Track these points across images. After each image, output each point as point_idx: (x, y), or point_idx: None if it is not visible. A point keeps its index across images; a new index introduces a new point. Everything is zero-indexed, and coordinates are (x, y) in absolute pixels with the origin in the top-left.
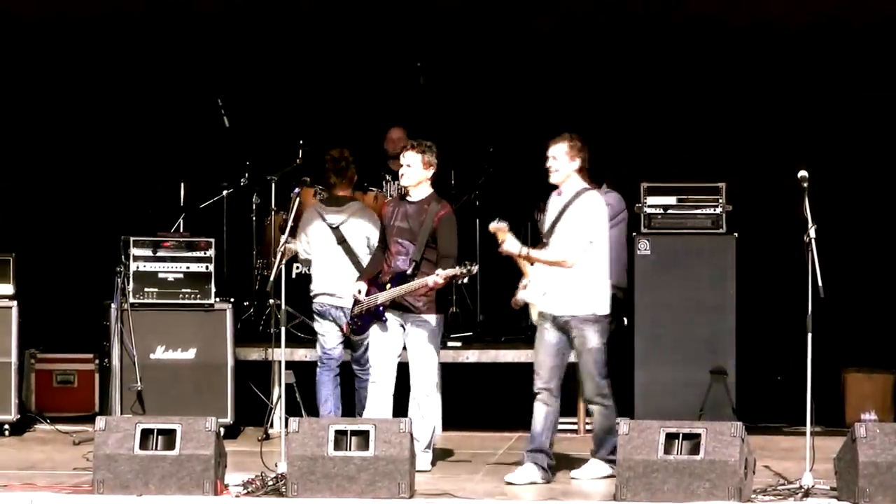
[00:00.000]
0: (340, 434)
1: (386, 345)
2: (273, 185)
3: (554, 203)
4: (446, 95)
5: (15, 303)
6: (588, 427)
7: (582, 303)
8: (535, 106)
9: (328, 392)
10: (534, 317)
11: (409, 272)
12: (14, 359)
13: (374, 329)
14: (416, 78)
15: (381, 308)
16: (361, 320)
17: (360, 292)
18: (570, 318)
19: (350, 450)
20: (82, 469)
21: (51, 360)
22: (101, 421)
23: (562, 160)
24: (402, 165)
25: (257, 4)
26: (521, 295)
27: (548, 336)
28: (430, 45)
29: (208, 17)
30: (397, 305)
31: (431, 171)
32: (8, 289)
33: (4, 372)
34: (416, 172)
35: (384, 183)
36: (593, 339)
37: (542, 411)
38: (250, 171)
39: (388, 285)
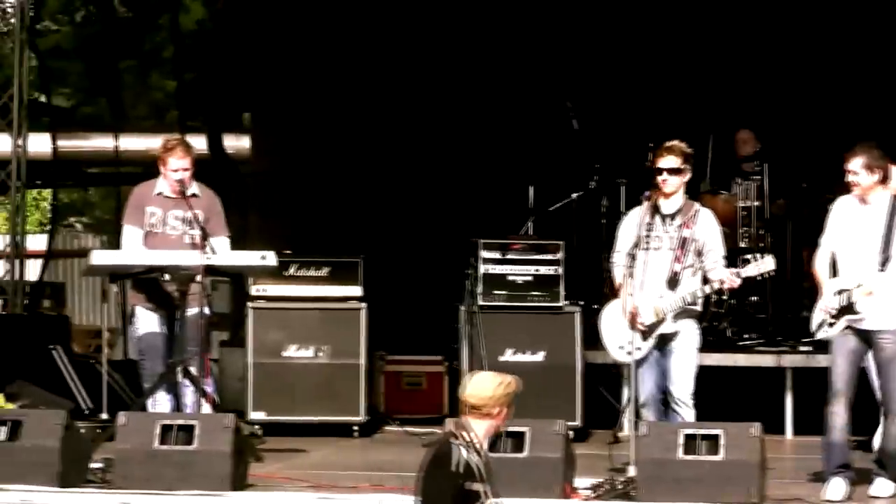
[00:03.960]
0: (689, 438)
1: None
2: (623, 187)
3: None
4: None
5: (364, 305)
6: None
7: None
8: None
9: None
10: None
11: None
12: (363, 360)
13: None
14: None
15: None
16: None
17: None
18: (885, 330)
19: (699, 454)
20: None
21: (400, 363)
22: (449, 423)
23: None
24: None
25: (605, 5)
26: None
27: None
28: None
29: (557, 21)
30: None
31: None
32: (357, 291)
33: (354, 374)
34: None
35: (733, 185)
36: None
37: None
38: (600, 173)
39: None
